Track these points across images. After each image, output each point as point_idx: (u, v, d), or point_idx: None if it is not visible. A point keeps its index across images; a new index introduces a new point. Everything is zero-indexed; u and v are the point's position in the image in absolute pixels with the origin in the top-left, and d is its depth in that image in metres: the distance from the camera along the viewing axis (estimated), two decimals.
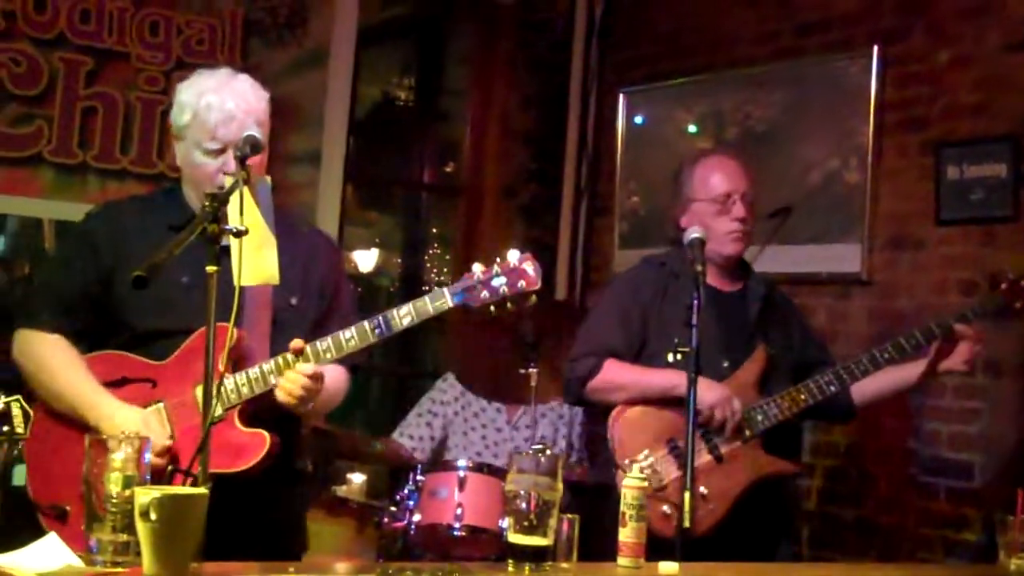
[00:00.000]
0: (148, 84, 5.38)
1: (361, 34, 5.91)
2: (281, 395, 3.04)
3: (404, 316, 3.04)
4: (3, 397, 2.67)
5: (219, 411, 2.97)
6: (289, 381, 3.03)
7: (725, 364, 3.83)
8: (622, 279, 4.13)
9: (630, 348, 3.83)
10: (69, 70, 5.25)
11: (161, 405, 3.11)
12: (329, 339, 3.07)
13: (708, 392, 3.63)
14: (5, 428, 2.65)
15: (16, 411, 2.65)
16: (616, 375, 3.80)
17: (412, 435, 5.01)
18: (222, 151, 3.12)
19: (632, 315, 3.86)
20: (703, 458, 3.72)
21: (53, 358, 3.16)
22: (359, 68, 5.95)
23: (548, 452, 3.28)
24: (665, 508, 3.61)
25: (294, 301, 3.25)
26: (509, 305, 3.02)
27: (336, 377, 3.28)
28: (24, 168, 5.20)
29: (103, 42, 5.32)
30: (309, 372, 3.02)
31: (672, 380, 3.64)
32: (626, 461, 3.58)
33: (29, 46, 5.19)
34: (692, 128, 5.94)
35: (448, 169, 7.09)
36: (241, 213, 2.83)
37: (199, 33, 5.48)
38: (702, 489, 3.66)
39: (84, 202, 5.04)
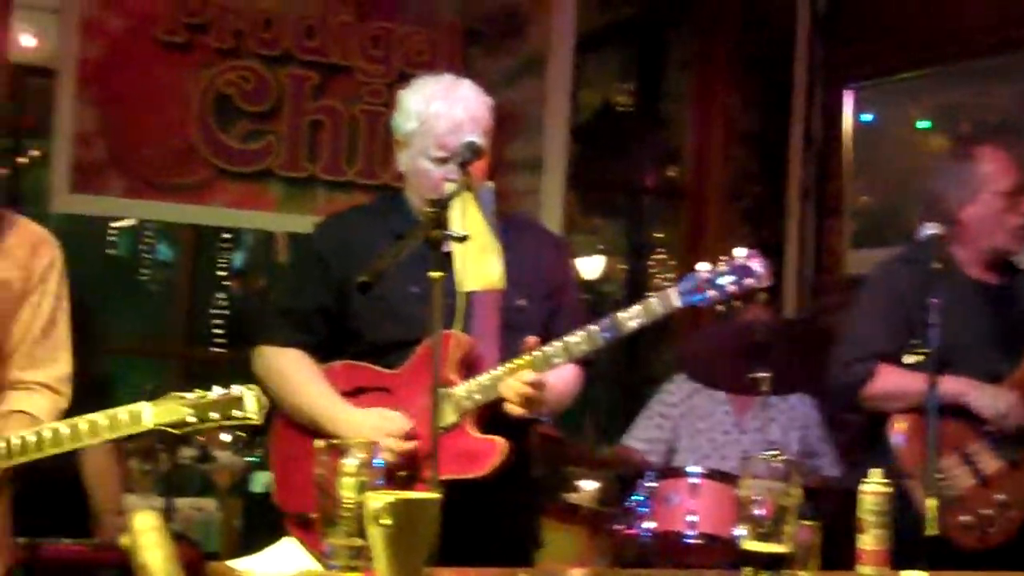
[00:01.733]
0: (371, 97, 5.48)
1: (580, 40, 5.90)
2: (508, 405, 3.05)
3: (633, 318, 3.01)
4: (238, 386, 2.75)
5: (453, 418, 3.00)
6: (513, 390, 3.03)
7: (1001, 363, 3.70)
8: (876, 278, 4.01)
9: (898, 350, 3.70)
10: (296, 86, 5.39)
11: (397, 413, 3.15)
12: (559, 343, 3.05)
13: (997, 399, 3.54)
14: (237, 413, 2.72)
15: (250, 398, 2.72)
16: (895, 383, 3.69)
17: (643, 438, 4.98)
18: (447, 159, 3.14)
19: (895, 315, 3.75)
20: (995, 465, 3.60)
21: (292, 372, 3.23)
22: (578, 74, 5.94)
23: (782, 456, 3.20)
24: (965, 518, 3.51)
25: (523, 303, 3.24)
26: (737, 303, 2.97)
27: (567, 377, 3.26)
28: (256, 183, 5.36)
29: (327, 57, 5.44)
30: (530, 380, 3.01)
31: (959, 388, 3.55)
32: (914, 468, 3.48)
33: (257, 63, 5.35)
34: (925, 123, 5.77)
35: (671, 173, 7.03)
36: (463, 218, 2.86)
37: (419, 44, 5.56)
38: (1001, 496, 3.54)
39: (313, 214, 5.16)
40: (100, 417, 2.75)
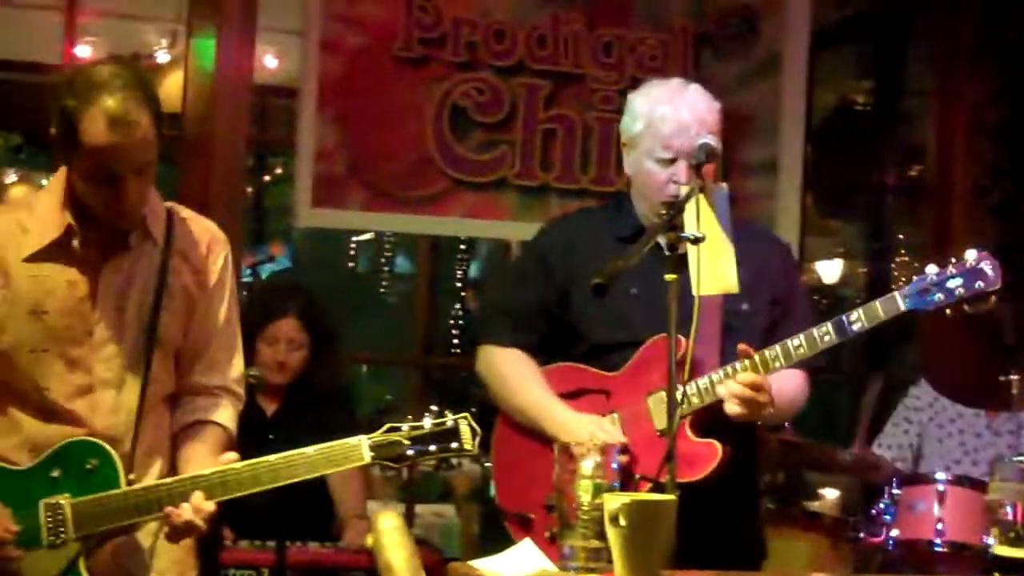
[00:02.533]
0: (604, 104, 5.50)
1: (815, 37, 5.82)
2: (727, 406, 3.04)
3: (855, 321, 2.98)
4: (451, 415, 2.80)
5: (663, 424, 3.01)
6: (731, 392, 3.02)
7: None
8: None
9: None
10: (529, 95, 5.46)
11: (616, 415, 3.17)
12: (777, 347, 3.03)
13: None
14: (454, 445, 2.77)
15: (464, 428, 2.76)
16: None
17: (891, 445, 4.88)
18: (673, 161, 3.15)
19: None
20: None
21: (513, 373, 3.29)
22: (814, 73, 5.86)
23: None
24: None
25: (745, 307, 3.22)
26: (966, 307, 2.90)
27: (793, 383, 3.23)
28: (490, 192, 5.43)
29: (560, 66, 5.49)
30: (749, 382, 2.99)
31: None
32: None
33: (491, 75, 5.43)
34: None
35: (912, 171, 6.87)
36: (698, 220, 2.86)
37: (651, 50, 5.56)
38: None
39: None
40: (315, 452, 2.76)
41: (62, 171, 2.85)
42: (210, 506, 2.70)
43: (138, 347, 2.85)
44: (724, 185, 3.23)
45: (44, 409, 2.82)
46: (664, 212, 2.81)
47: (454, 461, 7.69)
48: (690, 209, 2.86)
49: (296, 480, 2.76)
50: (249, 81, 5.42)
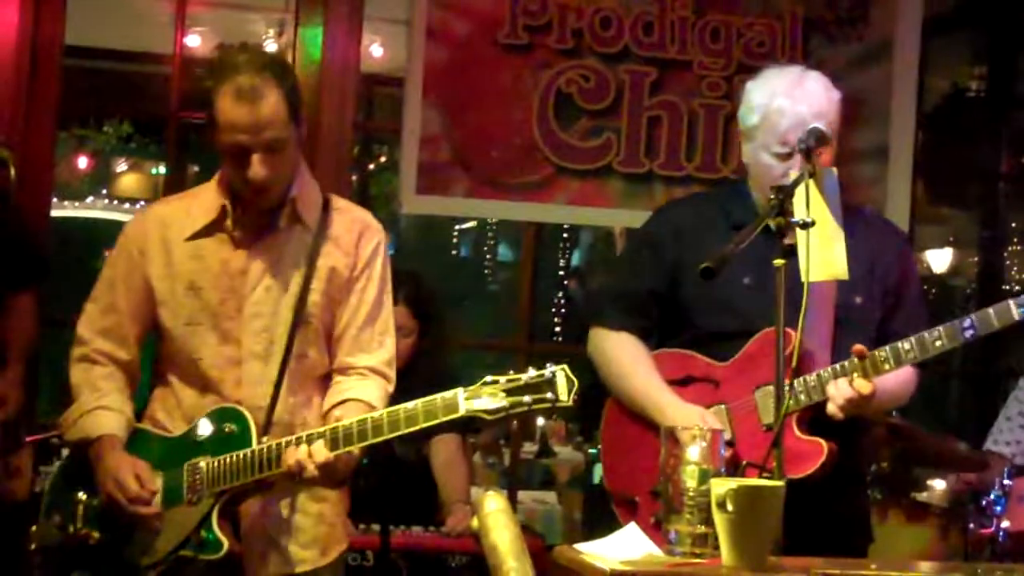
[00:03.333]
0: (710, 90, 5.47)
1: (927, 23, 5.74)
2: (828, 407, 3.04)
3: (968, 328, 2.99)
4: (551, 365, 2.81)
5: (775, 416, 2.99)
6: (838, 393, 3.02)
7: None
8: None
9: None
10: (634, 82, 5.44)
11: (723, 407, 3.17)
12: (887, 349, 3.03)
13: None
14: (549, 395, 2.78)
15: (561, 379, 2.77)
16: None
17: (1008, 440, 4.80)
18: (790, 155, 3.12)
19: None
20: None
21: (622, 357, 3.30)
22: (926, 59, 5.78)
23: None
24: None
25: (859, 300, 3.21)
26: None
27: (901, 377, 3.20)
28: (595, 180, 5.43)
29: (666, 52, 5.46)
30: (859, 389, 3.01)
31: None
32: None
33: (596, 61, 5.42)
34: None
35: None
36: (808, 205, 2.85)
37: (759, 35, 5.52)
38: None
39: (651, 209, 5.21)
40: (418, 405, 2.84)
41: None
42: (323, 453, 2.82)
43: (284, 324, 3.01)
44: (834, 170, 3.20)
45: (199, 380, 3.03)
46: (773, 197, 2.80)
47: (555, 448, 7.74)
48: (800, 194, 2.85)
49: (400, 433, 2.85)
50: (356, 70, 5.46)
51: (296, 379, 3.04)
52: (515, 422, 5.84)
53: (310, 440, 2.85)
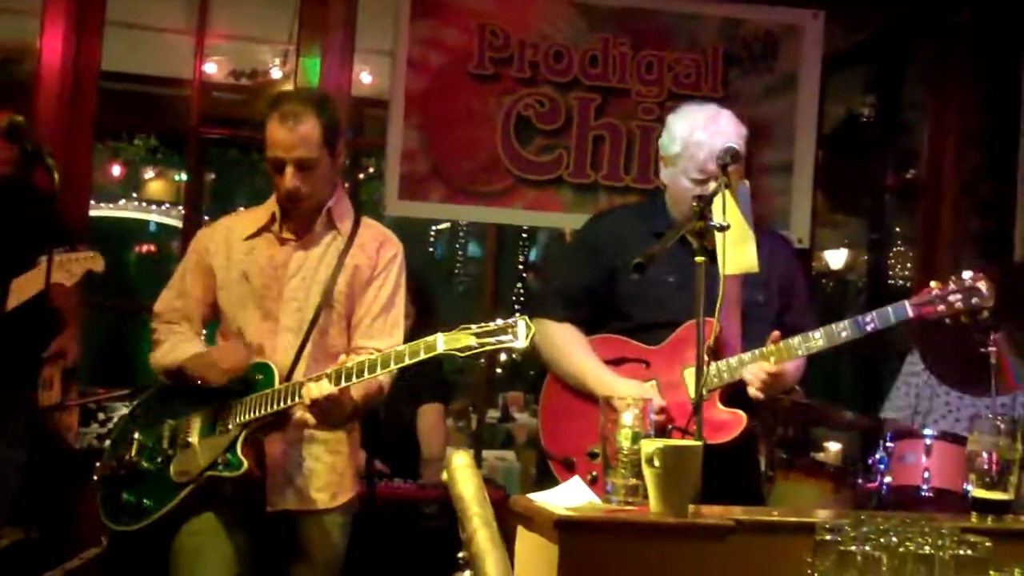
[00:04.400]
0: (645, 114, 5.49)
1: (826, 59, 5.77)
2: (750, 390, 3.09)
3: (869, 322, 3.05)
4: (515, 318, 2.85)
5: (703, 393, 3.01)
6: (754, 376, 3.07)
7: None
8: None
9: None
10: (582, 106, 5.46)
11: (654, 382, 3.18)
12: (799, 337, 3.08)
13: None
14: (508, 336, 2.83)
15: (522, 325, 2.81)
16: None
17: (897, 407, 4.84)
18: (706, 180, 3.14)
19: None
20: None
21: (564, 343, 3.30)
22: (825, 89, 5.81)
23: (1011, 418, 3.10)
24: None
25: (760, 298, 3.24)
26: (963, 318, 2.99)
27: (797, 363, 3.24)
28: (548, 188, 5.45)
29: (608, 81, 5.48)
30: (771, 371, 3.07)
31: None
32: None
33: (550, 89, 5.44)
34: None
35: (908, 174, 6.80)
36: (724, 212, 2.86)
37: (687, 68, 5.53)
38: None
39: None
40: (405, 347, 2.91)
41: None
42: (328, 387, 2.90)
43: (312, 307, 3.13)
44: (746, 182, 3.22)
45: None
46: (695, 204, 2.82)
47: (514, 415, 7.75)
48: (717, 202, 2.86)
49: (390, 369, 2.91)
50: (348, 94, 5.47)
51: (318, 349, 3.14)
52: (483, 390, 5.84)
53: (319, 377, 2.95)
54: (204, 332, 3.31)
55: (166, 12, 6.31)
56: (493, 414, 7.35)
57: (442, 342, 2.85)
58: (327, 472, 3.17)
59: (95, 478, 3.17)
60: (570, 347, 3.27)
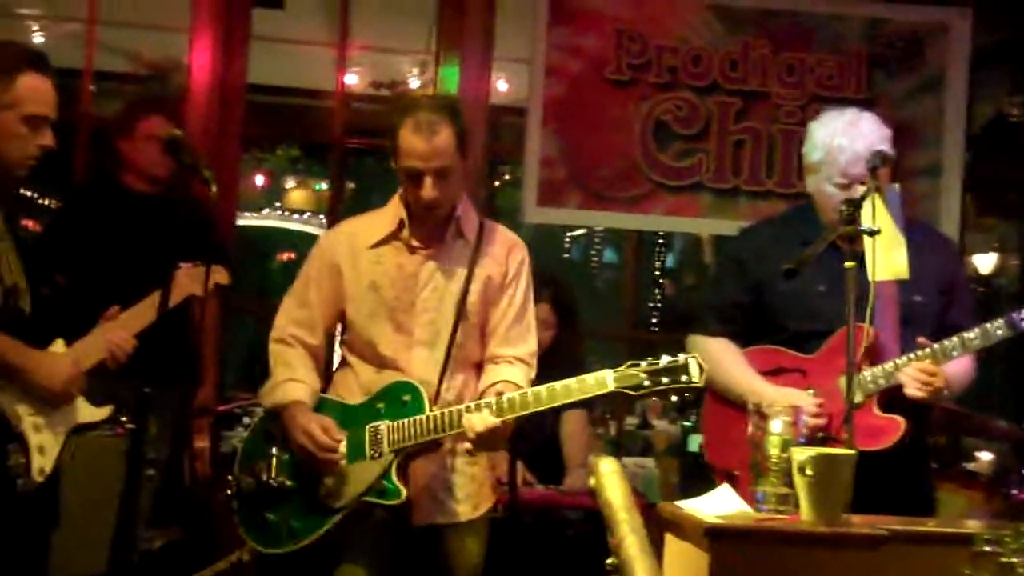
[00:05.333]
0: (787, 118, 5.43)
1: (973, 58, 5.63)
2: (907, 390, 3.01)
3: (1023, 320, 2.95)
4: (682, 354, 2.84)
5: (859, 398, 2.97)
6: (911, 376, 3.00)
7: None
8: None
9: None
10: (722, 111, 5.43)
11: (811, 391, 3.14)
12: (955, 338, 3.00)
13: None
14: (684, 378, 2.81)
15: (694, 365, 2.80)
16: None
17: None
18: (849, 186, 3.10)
19: None
20: None
21: (719, 357, 3.26)
22: (972, 89, 5.67)
23: None
24: None
25: (918, 298, 3.17)
26: None
27: (963, 366, 3.16)
28: (688, 194, 5.44)
29: (748, 85, 5.45)
30: (925, 369, 2.99)
31: None
32: None
33: (689, 93, 5.43)
34: None
35: None
36: (873, 216, 2.82)
37: (829, 70, 5.46)
38: None
39: (736, 220, 5.22)
40: (573, 382, 2.90)
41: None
42: (491, 420, 2.89)
43: (448, 319, 3.09)
44: (896, 186, 3.17)
45: (377, 361, 3.11)
46: (844, 208, 2.79)
47: (652, 421, 7.72)
48: (867, 207, 2.83)
49: (556, 404, 2.92)
50: (486, 102, 5.52)
51: (456, 364, 3.11)
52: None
53: (479, 408, 2.93)
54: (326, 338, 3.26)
55: (306, 25, 6.46)
56: (631, 421, 7.35)
57: (612, 380, 2.86)
58: (467, 483, 3.16)
59: (228, 492, 3.16)
60: (726, 361, 3.25)
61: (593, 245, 10.18)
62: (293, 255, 10.69)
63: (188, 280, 3.28)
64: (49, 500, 2.86)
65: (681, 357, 2.85)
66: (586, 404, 4.60)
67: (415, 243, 3.11)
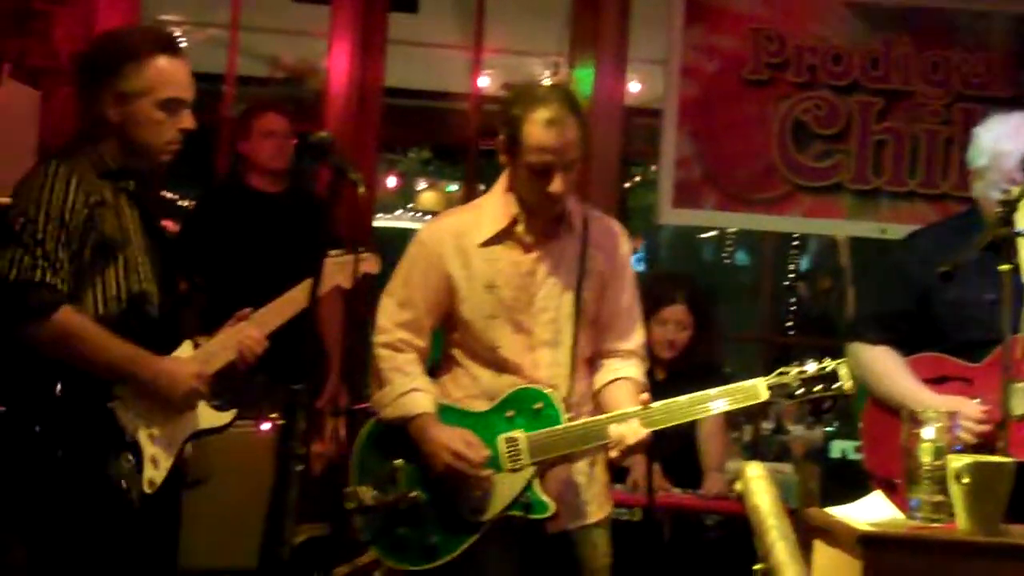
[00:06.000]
0: (931, 117, 5.33)
1: None
2: None
3: None
4: (831, 360, 2.82)
5: (1022, 410, 2.89)
6: None
7: None
8: None
9: None
10: (863, 110, 5.36)
11: (978, 400, 3.08)
12: None
13: None
14: (835, 385, 2.79)
15: (844, 371, 2.78)
16: None
17: None
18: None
19: None
20: None
21: (880, 366, 3.23)
22: None
23: None
24: None
25: None
26: None
27: None
28: (827, 195, 5.37)
29: (890, 84, 5.36)
30: None
31: None
32: None
33: (829, 93, 5.36)
34: None
35: None
36: None
37: (974, 68, 5.33)
38: None
39: (877, 221, 5.17)
40: (721, 392, 2.88)
41: (504, 176, 3.06)
42: (644, 432, 2.86)
43: (568, 317, 3.04)
44: None
45: (496, 364, 3.04)
46: (1000, 209, 2.74)
47: (787, 427, 7.63)
48: (1022, 207, 2.77)
49: (701, 416, 2.90)
50: (621, 103, 5.54)
51: (577, 362, 3.07)
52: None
53: (623, 418, 2.89)
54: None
55: (439, 28, 6.55)
56: (766, 425, 7.28)
57: (764, 389, 2.84)
58: (592, 484, 3.12)
59: (349, 506, 3.01)
60: (888, 369, 3.21)
61: (725, 247, 10.09)
62: None
63: (335, 270, 3.29)
64: (169, 506, 2.80)
65: (829, 363, 2.82)
66: None
67: (529, 240, 3.03)
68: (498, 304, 3.01)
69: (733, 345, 7.48)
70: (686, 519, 4.15)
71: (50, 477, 2.61)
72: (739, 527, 3.12)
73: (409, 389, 3.02)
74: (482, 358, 3.06)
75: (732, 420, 6.91)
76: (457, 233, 3.04)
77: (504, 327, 3.01)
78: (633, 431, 2.85)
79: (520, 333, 3.02)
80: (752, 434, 6.20)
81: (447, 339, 3.14)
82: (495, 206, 3.05)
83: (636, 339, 3.14)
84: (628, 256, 3.16)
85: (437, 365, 3.19)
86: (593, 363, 3.13)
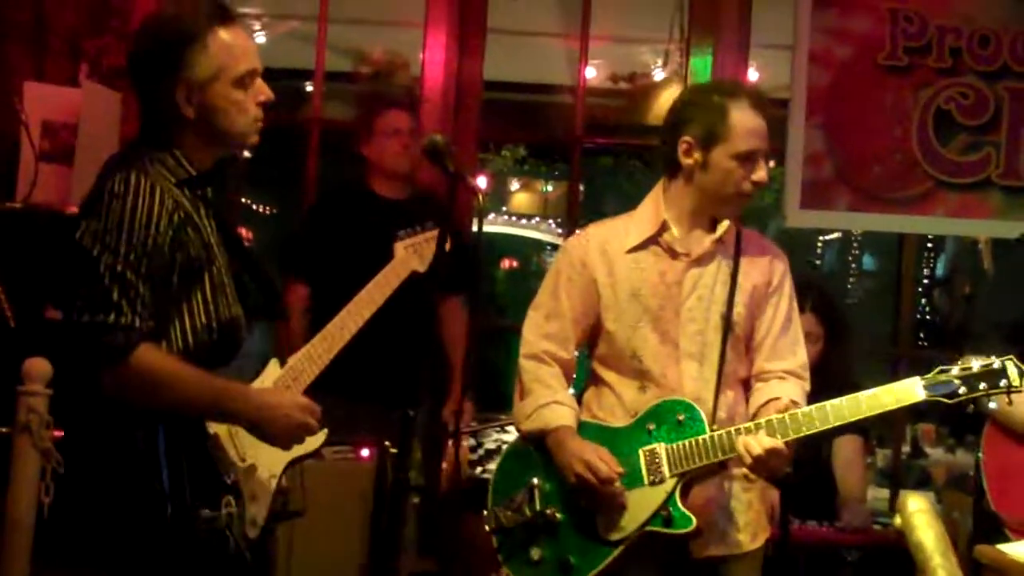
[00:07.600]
0: None
1: None
2: None
3: None
4: (996, 357, 2.77)
5: None
6: None
7: None
8: None
9: None
10: (1013, 98, 5.23)
11: None
12: None
13: None
14: (1003, 382, 2.73)
15: (1012, 369, 2.72)
16: None
17: None
18: None
19: None
20: None
21: None
22: None
23: None
24: None
25: None
26: None
27: None
28: (974, 192, 5.25)
29: None
30: None
31: None
32: None
33: (975, 79, 5.24)
34: None
35: None
36: None
37: None
38: None
39: None
40: (870, 395, 2.88)
41: (659, 184, 3.17)
42: (769, 441, 2.88)
43: (715, 330, 3.10)
44: None
45: (639, 376, 3.12)
46: None
47: (925, 450, 7.50)
48: None
49: (846, 421, 2.89)
50: None
51: (725, 379, 3.11)
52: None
53: (760, 427, 2.94)
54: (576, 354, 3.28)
55: (538, 16, 6.54)
56: (903, 448, 7.15)
57: (921, 388, 2.83)
58: (746, 510, 3.17)
59: (488, 528, 3.14)
60: None
61: (850, 250, 9.97)
62: (516, 262, 10.82)
63: (407, 255, 3.30)
64: (263, 540, 2.78)
65: (996, 360, 2.79)
66: (861, 429, 4.53)
67: (677, 248, 3.12)
68: (643, 312, 3.11)
69: (862, 359, 7.39)
70: (822, 553, 4.08)
71: (150, 525, 2.48)
72: (883, 562, 3.07)
73: (550, 401, 3.15)
74: (625, 371, 3.15)
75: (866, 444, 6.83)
76: (603, 240, 3.18)
77: (649, 336, 3.11)
78: (759, 441, 2.88)
79: (666, 344, 3.11)
80: (893, 458, 6.10)
81: (591, 355, 3.25)
82: (645, 212, 3.18)
83: (795, 359, 3.18)
84: (785, 276, 3.20)
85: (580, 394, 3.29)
86: (749, 386, 3.18)
